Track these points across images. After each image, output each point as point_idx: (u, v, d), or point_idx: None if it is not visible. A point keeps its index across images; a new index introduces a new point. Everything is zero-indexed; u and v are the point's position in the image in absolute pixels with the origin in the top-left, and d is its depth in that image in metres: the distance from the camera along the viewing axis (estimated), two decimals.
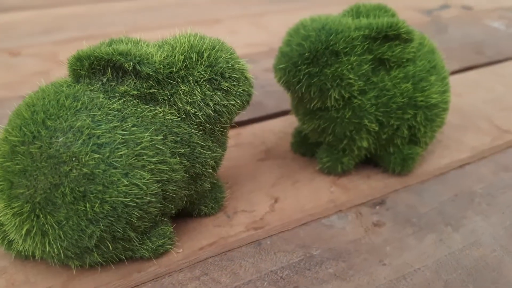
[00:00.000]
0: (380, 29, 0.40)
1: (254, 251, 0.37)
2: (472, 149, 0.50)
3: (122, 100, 0.32)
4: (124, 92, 0.32)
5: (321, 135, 0.44)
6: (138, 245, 0.34)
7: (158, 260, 0.36)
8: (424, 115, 0.43)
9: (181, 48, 0.34)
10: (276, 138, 0.52)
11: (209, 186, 0.38)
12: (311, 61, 0.39)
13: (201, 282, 0.34)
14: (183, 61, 0.34)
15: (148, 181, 0.31)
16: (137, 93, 0.32)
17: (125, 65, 0.31)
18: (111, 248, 0.32)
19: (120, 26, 0.84)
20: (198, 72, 0.34)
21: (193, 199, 0.38)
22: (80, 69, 0.32)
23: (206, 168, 0.36)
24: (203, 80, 0.34)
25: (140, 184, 0.31)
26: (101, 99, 0.32)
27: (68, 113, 0.30)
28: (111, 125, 0.31)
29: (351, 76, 0.40)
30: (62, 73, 0.35)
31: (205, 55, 0.34)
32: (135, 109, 0.32)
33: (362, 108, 0.41)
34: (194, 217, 0.40)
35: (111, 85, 0.32)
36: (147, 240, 0.35)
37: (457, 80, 0.66)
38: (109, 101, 0.32)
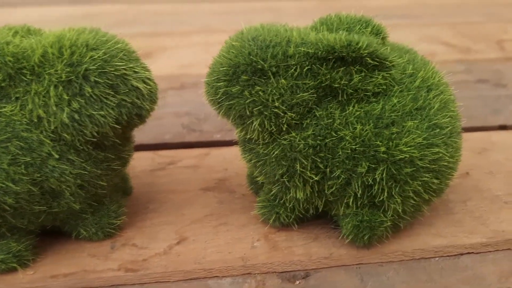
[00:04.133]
0: (330, 48, 0.29)
1: None
2: (487, 234, 0.35)
3: None
4: None
5: (257, 173, 0.35)
6: None
7: (1, 276, 0.31)
8: (389, 172, 0.30)
9: (46, 41, 0.29)
10: (244, 167, 0.43)
11: (79, 206, 0.32)
12: (230, 78, 0.31)
13: None
14: (40, 55, 0.29)
15: None
16: None
17: None
18: None
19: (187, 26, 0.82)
20: (55, 71, 0.28)
21: (64, 218, 0.33)
22: None
23: (67, 186, 0.30)
24: (60, 81, 0.28)
25: None
26: None
27: None
28: None
29: (277, 104, 0.30)
30: None
31: (67, 52, 0.28)
32: None
33: (294, 148, 0.31)
34: (73, 238, 0.34)
35: None
36: None
37: None
38: None
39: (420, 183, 0.31)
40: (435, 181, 0.32)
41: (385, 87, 0.31)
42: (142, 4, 0.98)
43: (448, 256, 0.34)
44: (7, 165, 0.28)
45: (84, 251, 0.34)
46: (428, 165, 0.31)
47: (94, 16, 0.89)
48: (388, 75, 0.31)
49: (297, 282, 0.32)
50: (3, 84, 0.29)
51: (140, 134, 0.49)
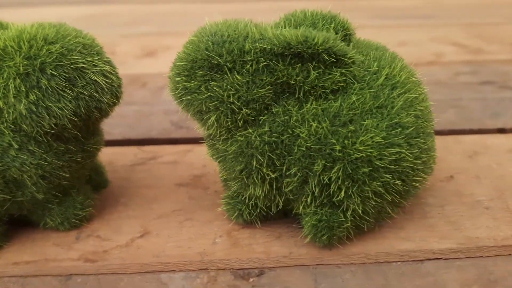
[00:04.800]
0: (286, 44, 0.29)
1: (57, 285, 0.31)
2: (459, 239, 0.33)
3: None
4: None
5: (220, 169, 0.35)
6: None
7: None
8: (345, 171, 0.30)
9: (7, 35, 0.30)
10: None
11: (42, 196, 0.33)
12: (188, 73, 0.31)
13: None
14: (0, 49, 0.29)
15: None
16: None
17: None
18: None
19: None
20: (14, 64, 0.29)
21: (30, 208, 0.34)
22: None
23: (29, 176, 0.31)
24: (18, 74, 0.29)
25: None
26: None
27: None
28: None
29: (232, 99, 0.30)
30: None
31: (25, 45, 0.29)
32: None
33: (251, 144, 0.31)
34: (41, 228, 0.35)
35: None
36: None
37: None
38: None
39: (380, 183, 0.30)
40: (398, 182, 0.31)
41: (343, 84, 0.30)
42: (153, 4, 1.00)
43: (412, 261, 0.32)
44: None
45: (49, 240, 0.35)
46: (388, 166, 0.30)
47: (104, 16, 0.91)
48: (347, 72, 0.30)
49: (251, 279, 0.31)
50: None
51: (128, 130, 0.50)
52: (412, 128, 0.31)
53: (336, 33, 0.32)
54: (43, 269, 0.32)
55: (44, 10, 0.93)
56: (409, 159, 0.31)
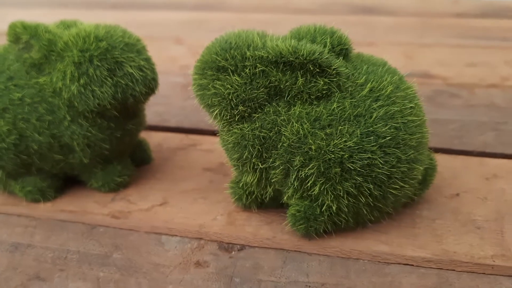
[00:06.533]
0: (278, 53, 0.34)
1: (83, 231, 0.39)
2: (435, 251, 0.35)
3: (21, 63, 0.40)
4: (26, 58, 0.40)
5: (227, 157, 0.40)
6: (15, 185, 0.42)
7: (29, 204, 0.42)
8: (319, 169, 0.33)
9: (71, 32, 0.39)
10: None
11: (87, 161, 0.41)
12: (201, 72, 0.37)
13: (26, 230, 0.40)
14: (64, 42, 0.38)
15: (4, 129, 0.38)
16: (31, 62, 0.39)
17: (22, 36, 0.39)
18: None
19: None
20: (72, 54, 0.38)
21: (80, 169, 0.42)
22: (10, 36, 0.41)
23: (77, 143, 0.40)
24: (74, 63, 0.38)
25: None
26: (9, 61, 0.40)
27: None
28: (1, 79, 0.39)
29: (231, 97, 0.35)
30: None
31: (81, 41, 0.38)
32: (25, 73, 0.39)
33: (245, 137, 0.36)
34: (88, 187, 0.44)
35: (22, 52, 0.40)
36: (20, 182, 0.42)
37: None
38: (15, 62, 0.40)
39: (351, 184, 0.34)
40: (371, 186, 0.34)
41: (327, 92, 0.34)
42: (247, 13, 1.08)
43: (380, 262, 0.35)
44: (35, 120, 0.39)
45: (92, 198, 0.43)
46: (360, 169, 0.33)
47: (202, 21, 1.01)
48: (331, 81, 0.34)
49: (232, 252, 0.36)
50: (41, 61, 0.39)
51: (183, 120, 0.58)
52: (388, 138, 0.33)
53: (333, 47, 0.36)
54: (79, 218, 0.41)
55: (156, 14, 1.06)
56: (383, 166, 0.34)
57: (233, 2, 1.13)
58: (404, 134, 0.34)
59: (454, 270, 0.34)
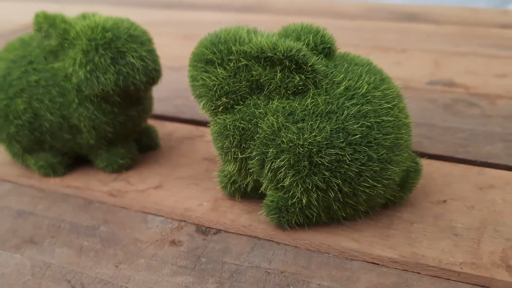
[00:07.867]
0: (259, 49, 0.36)
1: (80, 204, 0.43)
2: (404, 253, 0.35)
3: (41, 49, 0.44)
4: (45, 45, 0.44)
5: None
6: (30, 159, 0.47)
7: (41, 177, 0.47)
8: (289, 161, 0.35)
9: (83, 23, 0.43)
10: None
11: (93, 142, 0.45)
12: (193, 64, 0.39)
13: (33, 200, 0.44)
14: (75, 32, 0.42)
15: (21, 107, 0.43)
16: (49, 48, 0.44)
17: (42, 25, 0.43)
18: None
19: None
20: (81, 43, 0.42)
21: (87, 149, 0.46)
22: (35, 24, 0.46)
23: (84, 124, 0.44)
24: (82, 50, 0.42)
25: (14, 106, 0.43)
26: (32, 47, 0.45)
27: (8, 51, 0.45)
28: (23, 63, 0.44)
29: (216, 89, 0.37)
30: None
31: (89, 31, 0.41)
32: (44, 59, 0.44)
33: (226, 127, 0.38)
34: (95, 166, 0.48)
35: (43, 40, 0.45)
36: (34, 157, 0.46)
37: None
38: (37, 49, 0.45)
39: (320, 179, 0.35)
40: (339, 181, 0.35)
41: (303, 87, 0.35)
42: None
43: (344, 257, 0.35)
44: (48, 101, 0.43)
45: (96, 176, 0.47)
46: (327, 164, 0.34)
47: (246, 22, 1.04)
48: (307, 77, 0.35)
49: (208, 236, 0.38)
50: (57, 49, 0.43)
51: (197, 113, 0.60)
52: (357, 136, 0.34)
53: (316, 45, 0.37)
54: (81, 194, 0.44)
55: (202, 14, 1.11)
56: (352, 163, 0.34)
57: (277, 5, 1.15)
58: (377, 134, 0.35)
59: (419, 273, 0.34)
